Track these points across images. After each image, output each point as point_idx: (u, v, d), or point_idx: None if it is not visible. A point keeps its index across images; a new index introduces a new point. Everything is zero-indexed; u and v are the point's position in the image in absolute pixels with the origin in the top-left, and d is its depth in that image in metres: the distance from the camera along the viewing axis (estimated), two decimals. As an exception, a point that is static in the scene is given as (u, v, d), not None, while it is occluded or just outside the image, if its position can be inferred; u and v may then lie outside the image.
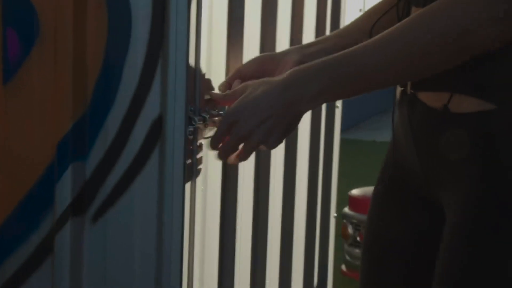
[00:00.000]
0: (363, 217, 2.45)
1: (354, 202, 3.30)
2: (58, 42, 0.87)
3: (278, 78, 0.83)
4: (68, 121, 0.88)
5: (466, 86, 0.79)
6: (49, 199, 0.90)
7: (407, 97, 0.89)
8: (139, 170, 0.88)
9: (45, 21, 0.87)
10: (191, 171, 0.93)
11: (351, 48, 0.80)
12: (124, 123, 0.88)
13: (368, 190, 2.63)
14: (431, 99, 0.84)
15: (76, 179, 0.89)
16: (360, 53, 0.79)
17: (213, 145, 0.87)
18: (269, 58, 1.02)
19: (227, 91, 0.94)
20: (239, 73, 1.00)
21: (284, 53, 1.01)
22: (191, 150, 0.91)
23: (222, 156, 0.87)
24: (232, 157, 0.87)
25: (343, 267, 3.28)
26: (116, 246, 0.90)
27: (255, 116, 0.80)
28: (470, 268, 0.80)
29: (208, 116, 0.92)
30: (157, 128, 0.87)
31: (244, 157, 0.87)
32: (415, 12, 0.84)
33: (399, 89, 0.93)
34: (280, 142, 0.85)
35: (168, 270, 0.89)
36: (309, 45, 1.06)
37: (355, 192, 3.38)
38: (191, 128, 0.88)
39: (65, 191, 0.89)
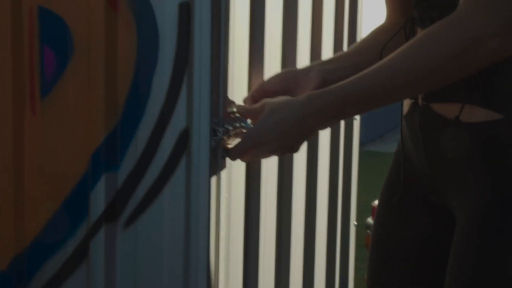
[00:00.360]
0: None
1: (377, 212, 3.34)
2: (91, 59, 0.93)
3: (298, 102, 0.88)
4: (101, 134, 0.94)
5: (476, 98, 0.83)
6: (83, 207, 0.96)
7: (418, 108, 0.93)
8: (168, 179, 0.94)
9: (79, 39, 0.94)
10: (217, 180, 0.98)
11: (365, 71, 0.84)
12: (153, 135, 0.93)
13: None
14: (443, 109, 0.88)
15: (108, 188, 0.95)
16: (374, 75, 0.84)
17: (233, 158, 0.94)
18: (292, 74, 1.06)
19: (249, 106, 0.99)
20: (262, 88, 1.05)
21: (307, 70, 1.06)
22: (216, 159, 0.96)
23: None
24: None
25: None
26: (146, 250, 0.95)
27: (276, 142, 0.88)
28: (479, 272, 0.83)
29: (231, 128, 0.97)
30: (184, 139, 0.93)
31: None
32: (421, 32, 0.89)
33: (408, 102, 0.98)
34: (296, 151, 0.91)
35: (196, 273, 0.94)
36: (329, 61, 1.11)
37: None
38: (215, 139, 0.93)
39: (98, 200, 0.95)
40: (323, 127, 0.90)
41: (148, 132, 0.93)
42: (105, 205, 0.95)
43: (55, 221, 0.97)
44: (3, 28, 0.94)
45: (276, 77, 1.06)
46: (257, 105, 0.94)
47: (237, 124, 0.99)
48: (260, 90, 1.05)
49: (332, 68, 1.03)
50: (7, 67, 0.95)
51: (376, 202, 3.48)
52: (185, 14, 0.91)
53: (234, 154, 0.94)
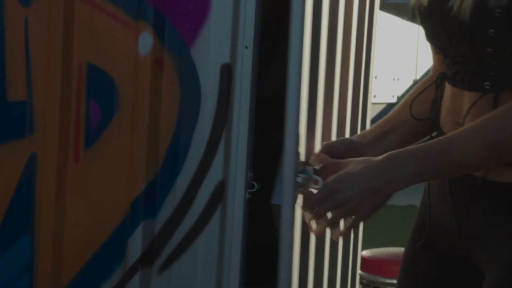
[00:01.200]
0: (371, 277, 2.56)
1: (365, 263, 3.37)
2: (136, 113, 1.00)
3: (377, 158, 0.93)
4: (141, 183, 1.00)
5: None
6: (121, 252, 1.01)
7: (477, 186, 1.00)
8: (202, 229, 0.99)
9: (124, 95, 1.00)
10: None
11: (438, 139, 0.91)
12: (190, 186, 0.99)
13: (378, 251, 2.71)
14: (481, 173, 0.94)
15: (145, 234, 1.00)
16: (446, 145, 0.90)
17: (309, 206, 0.95)
18: (354, 144, 1.11)
19: (335, 160, 1.03)
20: (328, 150, 1.10)
21: (365, 145, 1.11)
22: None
23: (317, 215, 0.95)
24: (321, 228, 0.97)
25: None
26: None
27: (355, 187, 0.91)
28: None
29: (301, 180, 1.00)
30: (220, 191, 0.98)
31: (333, 224, 0.95)
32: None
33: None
34: (370, 215, 0.94)
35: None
36: (383, 135, 1.15)
37: (365, 253, 3.45)
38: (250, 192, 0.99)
39: (135, 245, 1.00)
40: (400, 184, 0.92)
41: (186, 183, 0.99)
42: (142, 250, 1.00)
43: (93, 264, 1.01)
44: (54, 80, 1.01)
45: (342, 142, 1.11)
46: (343, 160, 0.98)
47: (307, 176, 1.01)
48: (326, 152, 1.09)
49: (386, 143, 1.10)
50: (55, 117, 1.01)
51: (363, 253, 3.53)
52: (226, 74, 0.97)
53: (312, 203, 0.96)
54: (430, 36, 1.05)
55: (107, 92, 1.00)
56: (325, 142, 1.14)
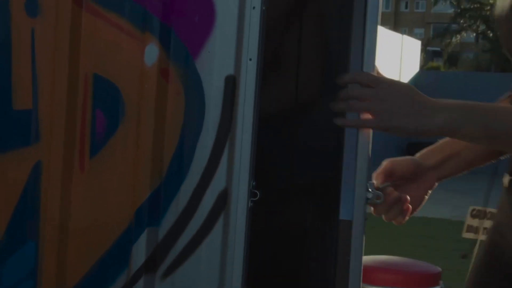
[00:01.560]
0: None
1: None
2: (141, 123, 1.02)
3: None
4: (146, 191, 1.02)
5: None
6: (125, 258, 1.03)
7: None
8: (205, 236, 1.01)
9: (130, 104, 1.02)
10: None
11: (484, 106, 0.99)
12: (194, 195, 1.01)
13: (368, 258, 2.76)
14: None
15: (150, 241, 1.02)
16: (491, 112, 0.99)
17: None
18: (418, 165, 1.15)
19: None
20: (391, 168, 1.13)
21: (428, 167, 1.15)
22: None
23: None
24: None
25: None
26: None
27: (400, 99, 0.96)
28: None
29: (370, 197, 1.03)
30: (223, 200, 1.01)
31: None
32: None
33: (508, 178, 1.09)
34: (395, 129, 0.98)
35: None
36: (448, 157, 1.19)
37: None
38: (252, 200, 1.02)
39: (140, 252, 1.02)
40: (435, 123, 0.96)
41: (189, 192, 1.01)
42: (146, 257, 1.03)
43: (97, 269, 1.03)
44: (60, 89, 1.02)
45: (406, 162, 1.15)
46: None
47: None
48: (389, 169, 1.13)
49: (447, 167, 1.15)
50: (61, 126, 1.02)
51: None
52: (231, 86, 1.00)
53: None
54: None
55: (113, 101, 1.02)
56: (387, 160, 1.17)
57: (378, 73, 1.02)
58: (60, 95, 1.02)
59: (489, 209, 3.87)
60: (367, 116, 0.97)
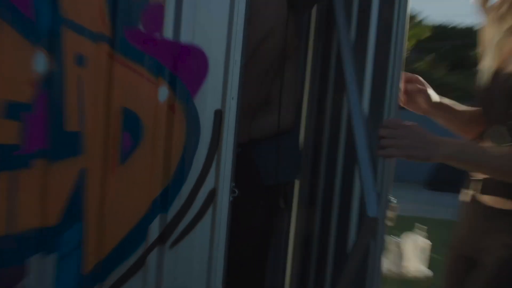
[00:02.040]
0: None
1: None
2: (155, 141, 1.47)
3: (436, 136, 1.41)
4: (158, 189, 1.48)
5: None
6: (144, 234, 1.49)
7: (474, 199, 1.54)
8: (199, 220, 1.48)
9: (147, 128, 1.46)
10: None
11: (474, 147, 1.49)
12: (192, 192, 1.47)
13: None
14: (491, 201, 1.48)
15: (161, 223, 1.48)
16: (478, 151, 1.46)
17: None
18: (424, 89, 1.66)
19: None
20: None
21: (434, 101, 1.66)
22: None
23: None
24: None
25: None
26: (184, 263, 1.49)
27: (416, 137, 1.38)
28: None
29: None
30: (212, 195, 1.47)
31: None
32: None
33: (469, 193, 1.57)
34: (410, 157, 1.39)
35: (215, 275, 1.48)
36: (449, 108, 1.70)
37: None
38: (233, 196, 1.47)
39: (154, 230, 1.49)
40: (438, 156, 1.41)
41: (188, 190, 1.48)
42: (158, 234, 1.48)
43: (124, 243, 1.49)
44: (99, 118, 1.46)
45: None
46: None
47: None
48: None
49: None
50: (99, 143, 1.46)
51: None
52: (218, 117, 1.45)
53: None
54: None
55: (135, 126, 1.46)
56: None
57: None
58: (99, 121, 1.46)
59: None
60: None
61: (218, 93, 1.45)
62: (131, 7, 1.44)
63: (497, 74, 1.49)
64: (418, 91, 1.62)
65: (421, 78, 1.64)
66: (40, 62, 1.43)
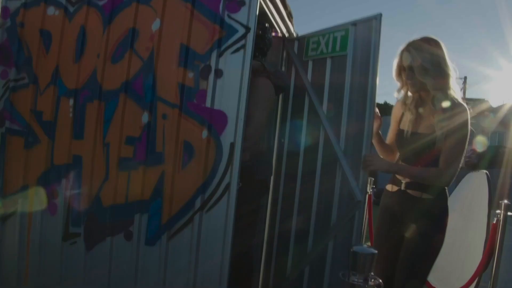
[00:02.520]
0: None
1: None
2: (200, 159, 2.88)
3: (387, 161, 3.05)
4: (200, 182, 2.88)
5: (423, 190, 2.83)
6: (192, 205, 2.88)
7: (401, 191, 2.95)
8: (220, 199, 2.85)
9: (197, 151, 2.88)
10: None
11: (401, 165, 3.02)
12: (217, 184, 2.86)
13: None
14: (413, 192, 2.86)
15: (201, 200, 2.88)
16: (402, 170, 2.93)
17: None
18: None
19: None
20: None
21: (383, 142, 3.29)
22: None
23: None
24: None
25: None
26: (212, 221, 2.86)
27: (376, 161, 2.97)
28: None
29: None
30: (228, 186, 2.84)
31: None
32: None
33: (394, 187, 3.04)
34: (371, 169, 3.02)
35: (227, 233, 2.84)
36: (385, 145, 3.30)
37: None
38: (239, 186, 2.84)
39: (197, 203, 2.88)
40: (383, 168, 3.00)
41: (216, 183, 2.86)
42: (200, 205, 2.88)
43: (183, 209, 2.89)
44: (172, 146, 2.89)
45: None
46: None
47: None
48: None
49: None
50: (173, 158, 2.89)
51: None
52: (232, 146, 2.84)
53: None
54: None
55: (190, 150, 2.88)
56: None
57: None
58: (172, 146, 2.89)
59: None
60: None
61: (232, 133, 2.84)
62: (191, 90, 2.89)
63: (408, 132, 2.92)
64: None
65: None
66: (145, 117, 2.90)
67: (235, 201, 2.83)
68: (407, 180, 2.93)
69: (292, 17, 3.77)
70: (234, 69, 2.83)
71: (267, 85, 3.24)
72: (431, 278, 5.64)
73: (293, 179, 3.72)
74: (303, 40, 3.81)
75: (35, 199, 3.27)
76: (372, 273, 1.71)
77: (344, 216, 3.19)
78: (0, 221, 3.37)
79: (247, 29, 2.82)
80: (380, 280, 1.75)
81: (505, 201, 4.79)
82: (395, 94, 3.03)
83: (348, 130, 3.32)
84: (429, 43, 2.81)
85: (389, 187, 3.05)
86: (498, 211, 4.73)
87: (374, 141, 3.20)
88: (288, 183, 3.80)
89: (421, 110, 2.94)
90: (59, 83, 3.23)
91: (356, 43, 3.34)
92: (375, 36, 3.15)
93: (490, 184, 4.98)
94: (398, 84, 2.98)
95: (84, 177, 3.11)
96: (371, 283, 1.73)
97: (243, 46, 2.82)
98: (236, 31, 2.85)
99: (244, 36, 2.83)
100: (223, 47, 2.85)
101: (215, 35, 2.87)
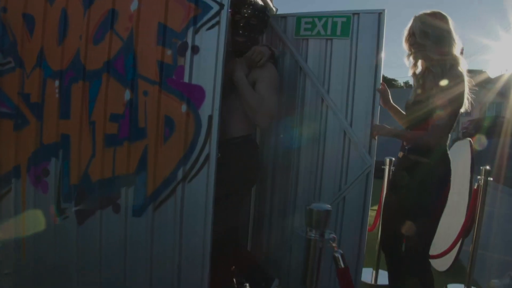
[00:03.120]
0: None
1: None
2: (180, 132, 3.02)
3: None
4: (181, 154, 3.02)
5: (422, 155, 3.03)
6: (175, 176, 3.03)
7: (404, 156, 3.18)
8: (201, 169, 3.00)
9: (177, 124, 3.02)
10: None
11: (399, 132, 3.31)
12: (198, 155, 3.00)
13: None
14: (413, 157, 3.06)
15: (183, 171, 3.02)
16: (399, 135, 3.20)
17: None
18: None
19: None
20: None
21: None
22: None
23: None
24: None
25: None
26: (194, 190, 3.01)
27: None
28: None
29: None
30: (208, 157, 2.99)
31: None
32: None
33: (401, 154, 3.29)
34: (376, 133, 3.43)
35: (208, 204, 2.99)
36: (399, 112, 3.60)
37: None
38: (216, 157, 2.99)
39: (179, 174, 3.03)
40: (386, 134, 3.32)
41: (196, 154, 3.00)
42: (182, 176, 3.02)
43: (166, 180, 3.04)
44: (154, 121, 3.04)
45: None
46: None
47: None
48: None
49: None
50: (154, 132, 3.04)
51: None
52: (210, 118, 2.98)
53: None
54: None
55: (171, 124, 3.02)
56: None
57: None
58: (154, 121, 3.03)
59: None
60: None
61: (210, 107, 2.98)
62: (169, 67, 3.02)
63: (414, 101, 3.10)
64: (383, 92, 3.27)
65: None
66: (127, 94, 3.04)
67: (215, 171, 2.97)
68: (409, 145, 3.11)
69: (269, -7, 3.88)
70: (209, 45, 2.95)
71: (276, 73, 3.49)
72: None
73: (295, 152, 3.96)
74: (292, 19, 3.93)
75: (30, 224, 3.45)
76: (328, 229, 1.86)
77: (355, 179, 3.42)
78: (-5, 202, 3.53)
79: (221, 5, 2.94)
80: (334, 235, 1.90)
81: (487, 166, 4.95)
82: (405, 60, 3.26)
83: (355, 103, 3.66)
84: (435, 15, 3.08)
85: (400, 154, 3.24)
86: (479, 177, 4.89)
87: (391, 113, 3.46)
88: (286, 156, 3.99)
89: (423, 79, 3.10)
90: (44, 66, 3.36)
91: (359, 30, 3.68)
92: (381, 27, 3.59)
93: (473, 151, 5.14)
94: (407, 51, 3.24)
95: (73, 154, 3.25)
96: (327, 237, 1.88)
97: (218, 23, 2.94)
98: (210, 8, 2.97)
99: (218, 13, 2.95)
100: (198, 24, 2.98)
101: (191, 12, 2.99)
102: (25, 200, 3.46)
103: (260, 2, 3.61)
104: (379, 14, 3.58)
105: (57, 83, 3.31)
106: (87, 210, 3.24)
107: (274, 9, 3.99)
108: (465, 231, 4.73)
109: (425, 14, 3.11)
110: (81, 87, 3.23)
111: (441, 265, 5.15)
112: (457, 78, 2.96)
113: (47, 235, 3.37)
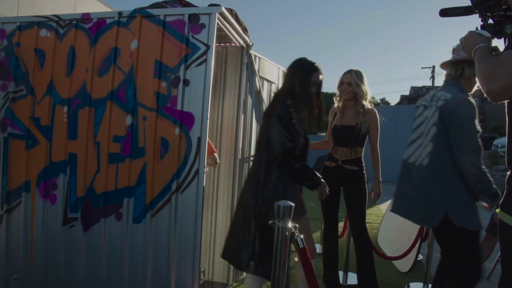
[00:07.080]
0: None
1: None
2: (174, 151, 3.60)
3: None
4: (175, 169, 3.60)
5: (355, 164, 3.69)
6: (170, 188, 3.60)
7: (338, 166, 3.81)
8: (192, 182, 3.58)
9: (171, 144, 3.60)
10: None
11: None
12: (188, 170, 3.57)
13: None
14: (348, 166, 3.69)
15: (176, 183, 3.60)
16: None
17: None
18: None
19: None
20: None
21: None
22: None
23: None
24: None
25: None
26: (187, 199, 3.58)
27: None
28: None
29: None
30: (197, 171, 3.57)
31: None
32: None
33: (332, 164, 3.90)
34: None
35: (197, 207, 3.57)
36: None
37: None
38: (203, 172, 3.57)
39: (173, 186, 3.60)
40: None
41: (187, 170, 3.58)
42: (176, 187, 3.60)
43: (162, 191, 3.61)
44: (151, 141, 3.61)
45: None
46: None
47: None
48: None
49: None
50: (152, 151, 3.61)
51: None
52: (199, 140, 3.56)
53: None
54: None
55: (166, 144, 3.59)
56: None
57: None
58: (151, 142, 3.60)
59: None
60: None
61: (199, 130, 3.56)
62: (164, 97, 3.60)
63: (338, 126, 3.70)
64: None
65: None
66: (128, 119, 3.62)
67: (203, 182, 3.55)
68: (343, 158, 3.84)
69: (247, 31, 4.50)
70: (198, 79, 3.55)
71: None
72: (387, 250, 6.45)
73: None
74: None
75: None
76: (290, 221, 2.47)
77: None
78: (6, 213, 4.03)
79: (207, 46, 3.55)
80: (296, 224, 2.50)
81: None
82: (335, 103, 4.50)
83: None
84: (359, 72, 4.42)
85: (328, 163, 3.95)
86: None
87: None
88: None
89: (346, 111, 4.11)
90: (54, 93, 3.91)
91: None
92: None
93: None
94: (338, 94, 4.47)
95: (79, 170, 3.80)
96: (289, 226, 2.48)
97: (205, 61, 3.55)
98: (199, 48, 3.57)
99: (205, 52, 3.55)
100: (189, 61, 3.57)
101: (182, 52, 3.59)
102: (34, 211, 3.96)
103: None
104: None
105: (65, 108, 3.86)
106: (92, 218, 3.77)
107: (251, 43, 4.62)
108: (420, 235, 5.32)
109: (356, 70, 4.37)
110: (87, 112, 3.78)
111: (403, 266, 5.72)
112: (372, 110, 4.08)
113: (54, 242, 3.88)
